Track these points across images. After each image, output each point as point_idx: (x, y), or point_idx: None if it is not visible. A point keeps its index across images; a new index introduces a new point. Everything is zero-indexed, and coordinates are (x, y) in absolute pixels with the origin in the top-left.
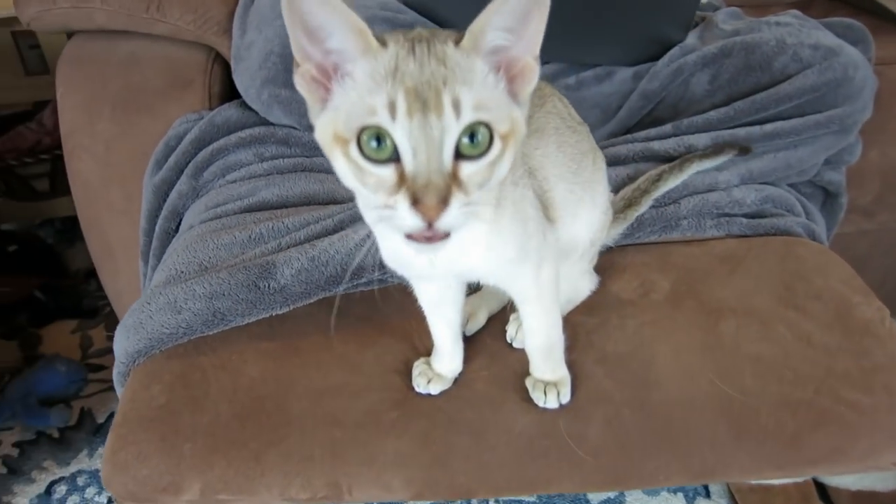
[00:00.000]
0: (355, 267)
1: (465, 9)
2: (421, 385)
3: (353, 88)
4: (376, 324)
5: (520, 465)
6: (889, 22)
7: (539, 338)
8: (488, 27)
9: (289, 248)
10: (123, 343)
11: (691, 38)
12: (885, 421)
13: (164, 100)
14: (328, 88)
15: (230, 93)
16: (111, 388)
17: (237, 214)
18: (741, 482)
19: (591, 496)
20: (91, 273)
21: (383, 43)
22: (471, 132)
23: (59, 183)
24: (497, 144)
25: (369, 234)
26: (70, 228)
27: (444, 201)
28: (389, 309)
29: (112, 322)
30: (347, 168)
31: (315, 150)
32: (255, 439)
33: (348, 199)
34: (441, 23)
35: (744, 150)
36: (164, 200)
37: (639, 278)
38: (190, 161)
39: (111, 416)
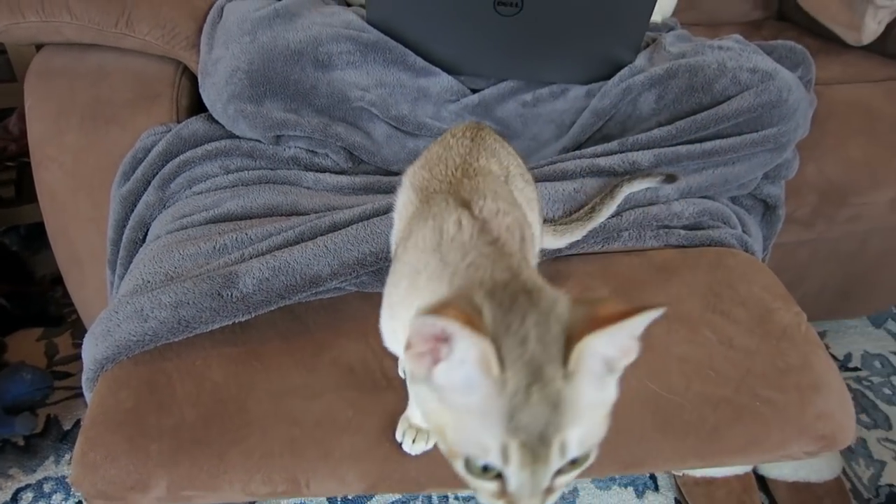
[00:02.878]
0: (313, 276)
1: (426, 28)
2: (407, 444)
3: (465, 398)
4: (333, 328)
5: None
6: (832, 43)
7: None
8: (600, 349)
9: (251, 258)
10: (92, 350)
11: (640, 60)
12: (795, 416)
13: (132, 112)
14: (436, 362)
15: (197, 106)
16: (77, 396)
17: (202, 225)
18: (687, 476)
19: None
20: (56, 280)
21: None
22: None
23: (24, 190)
24: (594, 452)
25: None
26: (34, 236)
27: None
28: (345, 314)
29: (78, 329)
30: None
31: (278, 162)
32: (219, 439)
33: (310, 210)
34: (405, 43)
35: (670, 178)
36: (132, 211)
37: (581, 285)
38: (157, 173)
39: (77, 422)
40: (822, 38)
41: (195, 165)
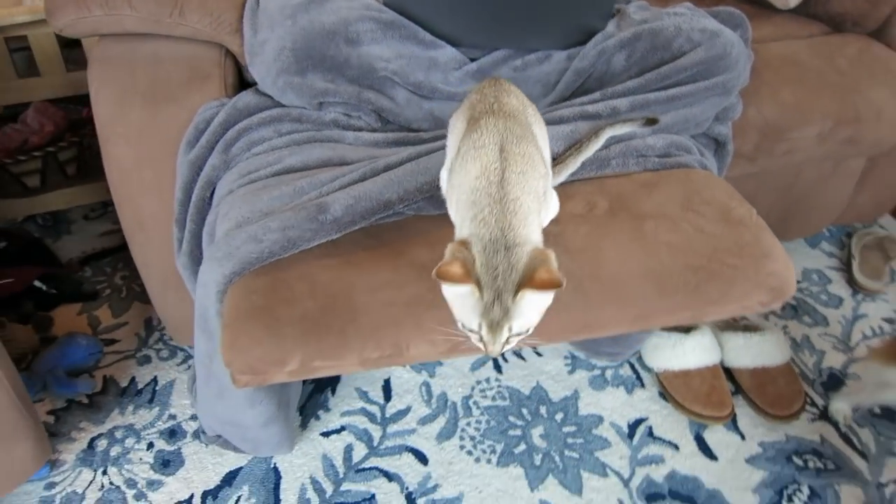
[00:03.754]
0: (385, 201)
1: (432, 7)
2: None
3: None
4: (403, 240)
5: None
6: (764, 8)
7: None
8: (530, 294)
9: (334, 192)
10: (216, 269)
11: (610, 26)
12: (752, 275)
13: (187, 91)
14: None
15: (240, 83)
16: (127, 357)
17: (270, 178)
18: (667, 371)
19: (551, 394)
20: (85, 261)
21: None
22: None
23: (49, 179)
24: (531, 329)
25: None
26: (53, 224)
27: (499, 350)
28: (410, 230)
29: (115, 303)
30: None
31: (322, 125)
32: (336, 321)
33: (356, 160)
34: (415, 20)
35: (650, 121)
36: (199, 174)
37: (585, 200)
38: (219, 139)
39: (132, 380)
40: (756, 4)
41: (252, 131)
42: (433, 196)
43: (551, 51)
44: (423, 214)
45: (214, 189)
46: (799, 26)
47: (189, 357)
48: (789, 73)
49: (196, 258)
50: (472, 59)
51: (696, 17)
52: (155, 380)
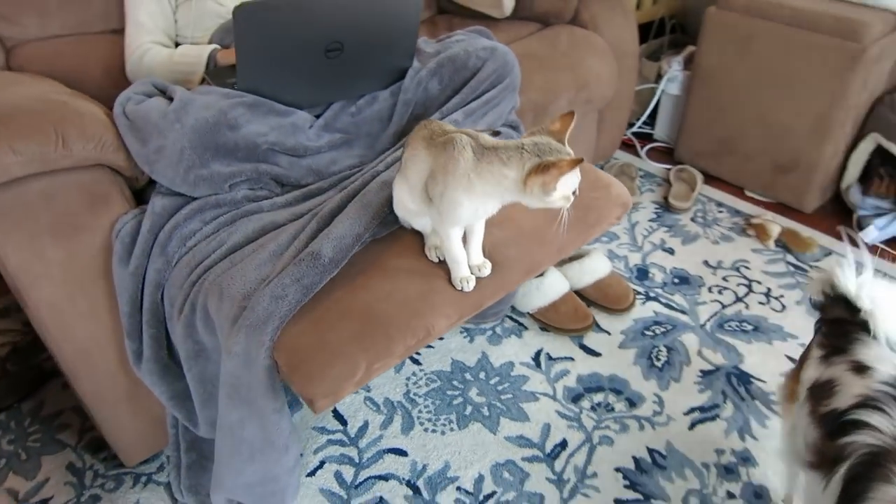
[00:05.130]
0: (357, 234)
1: (280, 83)
2: (464, 287)
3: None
4: (380, 259)
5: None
6: (487, 19)
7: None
8: None
9: (310, 243)
10: (254, 336)
11: (414, 62)
12: (608, 200)
13: (92, 216)
14: None
15: (136, 193)
16: None
17: (223, 260)
18: (539, 309)
19: (467, 362)
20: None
21: None
22: None
23: None
24: None
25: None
26: None
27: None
28: (378, 251)
29: (20, 466)
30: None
31: (237, 203)
32: (377, 329)
33: (284, 222)
34: (268, 97)
35: (495, 133)
36: (143, 282)
37: None
38: (153, 245)
39: None
40: (479, 17)
41: (182, 227)
42: (382, 221)
43: (376, 92)
44: (378, 237)
45: (163, 291)
46: (520, 28)
47: (140, 472)
48: (532, 64)
49: (162, 360)
50: (317, 116)
51: (473, 39)
52: None
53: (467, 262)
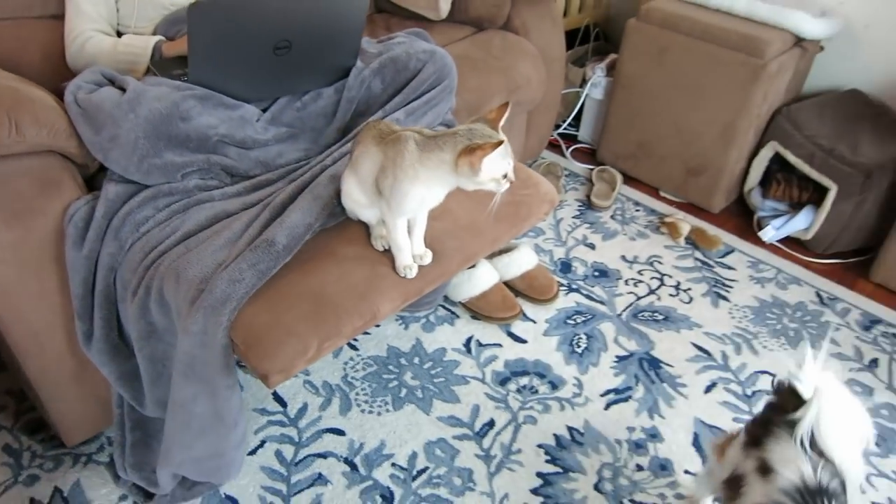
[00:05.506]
0: (308, 223)
1: (229, 77)
2: (407, 274)
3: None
4: (330, 246)
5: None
6: (425, 21)
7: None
8: None
9: (264, 230)
10: (212, 316)
11: (358, 62)
12: (538, 196)
13: (45, 200)
14: None
15: (88, 179)
16: (9, 487)
17: (178, 245)
18: (470, 300)
19: (401, 348)
20: None
21: None
22: None
23: None
24: None
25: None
26: None
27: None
28: (327, 239)
29: None
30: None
31: (189, 192)
32: (327, 310)
33: (235, 211)
34: (218, 90)
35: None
36: (95, 265)
37: None
38: (106, 229)
39: (32, 502)
40: (414, 18)
41: (135, 213)
42: (331, 212)
43: (321, 89)
44: (326, 227)
45: (116, 274)
46: (455, 31)
47: (80, 452)
48: (467, 66)
49: (112, 340)
50: (264, 110)
51: (414, 42)
52: (58, 490)
53: (410, 251)
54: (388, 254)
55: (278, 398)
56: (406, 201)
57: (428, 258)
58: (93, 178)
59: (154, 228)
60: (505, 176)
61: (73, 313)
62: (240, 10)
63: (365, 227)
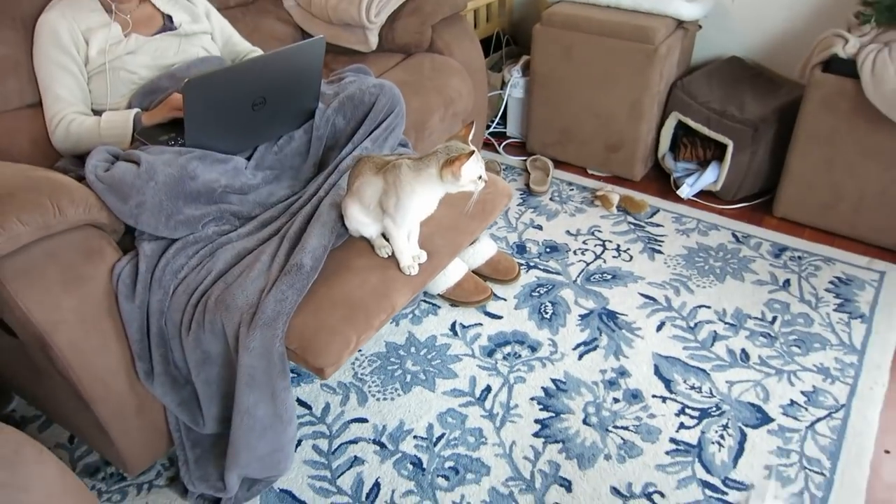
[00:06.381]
0: (325, 245)
1: (219, 136)
2: (411, 271)
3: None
4: (345, 261)
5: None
6: (359, 54)
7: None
8: None
9: (287, 257)
10: (267, 331)
11: (320, 103)
12: (500, 193)
13: (93, 266)
14: None
15: (120, 240)
16: None
17: (217, 282)
18: (447, 289)
19: (397, 342)
20: None
21: None
22: None
23: None
24: None
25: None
26: None
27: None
28: (341, 256)
29: None
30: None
31: (209, 238)
32: (359, 310)
33: (251, 249)
34: (210, 148)
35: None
36: (147, 312)
37: None
38: (151, 280)
39: None
40: (348, 53)
41: (172, 262)
42: (338, 234)
43: (292, 132)
44: (336, 246)
45: (165, 317)
46: (387, 59)
47: (141, 482)
48: (406, 90)
49: (171, 373)
50: (248, 159)
51: (363, 78)
52: None
53: (410, 253)
54: (391, 259)
55: (302, 402)
56: (409, 213)
57: (424, 257)
58: (120, 242)
59: (191, 273)
60: (480, 177)
61: (133, 356)
62: (224, 80)
63: (367, 242)
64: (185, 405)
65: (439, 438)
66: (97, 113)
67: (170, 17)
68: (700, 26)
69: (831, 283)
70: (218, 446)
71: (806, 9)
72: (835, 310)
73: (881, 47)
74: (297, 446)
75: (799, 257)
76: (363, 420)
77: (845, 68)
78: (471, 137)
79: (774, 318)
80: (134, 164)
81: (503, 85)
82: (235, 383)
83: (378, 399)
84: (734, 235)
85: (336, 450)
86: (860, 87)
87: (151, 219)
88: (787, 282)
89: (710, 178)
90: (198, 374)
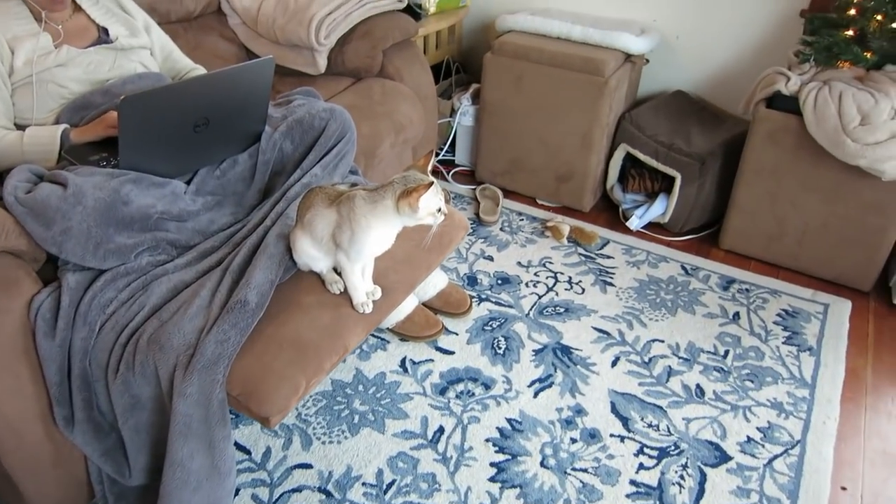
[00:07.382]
0: (271, 280)
1: (157, 158)
2: (364, 309)
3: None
4: (293, 297)
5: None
6: (306, 76)
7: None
8: None
9: (229, 293)
10: (206, 375)
11: (266, 127)
12: (457, 226)
13: (7, 298)
14: None
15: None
16: None
17: (150, 319)
18: (397, 324)
19: (344, 380)
20: None
21: None
22: None
23: None
24: None
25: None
26: None
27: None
28: (288, 292)
29: None
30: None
31: (143, 269)
32: (309, 352)
33: (191, 281)
34: (147, 171)
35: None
36: (69, 351)
37: None
38: (74, 316)
39: None
40: (296, 75)
41: (99, 296)
42: (286, 267)
43: (236, 155)
44: (280, 283)
45: (90, 357)
46: (336, 83)
47: None
48: (356, 114)
49: (94, 420)
50: (188, 182)
51: (312, 102)
52: None
53: (364, 290)
54: (343, 296)
55: (240, 447)
56: (364, 248)
57: (378, 293)
58: (40, 272)
59: (120, 308)
60: (439, 210)
61: (50, 401)
62: (164, 99)
63: (317, 276)
64: (110, 455)
65: (390, 485)
66: (21, 128)
67: (105, 30)
68: (647, 60)
69: (779, 315)
70: (145, 499)
71: (748, 47)
72: (784, 342)
73: (821, 85)
74: (236, 495)
75: (746, 289)
76: (307, 466)
77: (788, 105)
78: (430, 168)
79: (727, 352)
80: (60, 187)
81: (452, 112)
82: (168, 432)
83: (323, 442)
84: (683, 268)
85: (277, 500)
86: (803, 123)
87: (78, 247)
88: (737, 314)
89: (659, 209)
90: (125, 420)
